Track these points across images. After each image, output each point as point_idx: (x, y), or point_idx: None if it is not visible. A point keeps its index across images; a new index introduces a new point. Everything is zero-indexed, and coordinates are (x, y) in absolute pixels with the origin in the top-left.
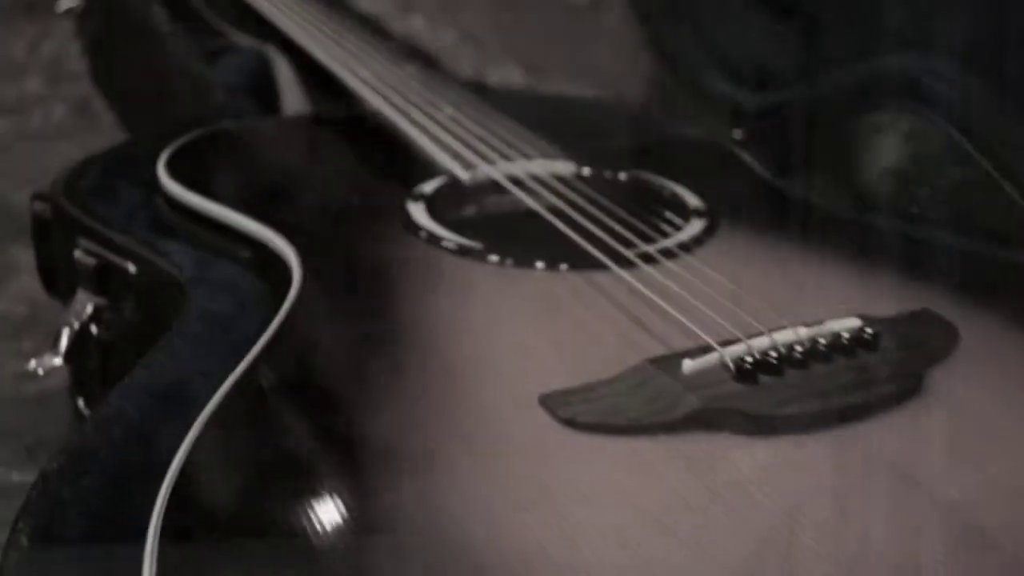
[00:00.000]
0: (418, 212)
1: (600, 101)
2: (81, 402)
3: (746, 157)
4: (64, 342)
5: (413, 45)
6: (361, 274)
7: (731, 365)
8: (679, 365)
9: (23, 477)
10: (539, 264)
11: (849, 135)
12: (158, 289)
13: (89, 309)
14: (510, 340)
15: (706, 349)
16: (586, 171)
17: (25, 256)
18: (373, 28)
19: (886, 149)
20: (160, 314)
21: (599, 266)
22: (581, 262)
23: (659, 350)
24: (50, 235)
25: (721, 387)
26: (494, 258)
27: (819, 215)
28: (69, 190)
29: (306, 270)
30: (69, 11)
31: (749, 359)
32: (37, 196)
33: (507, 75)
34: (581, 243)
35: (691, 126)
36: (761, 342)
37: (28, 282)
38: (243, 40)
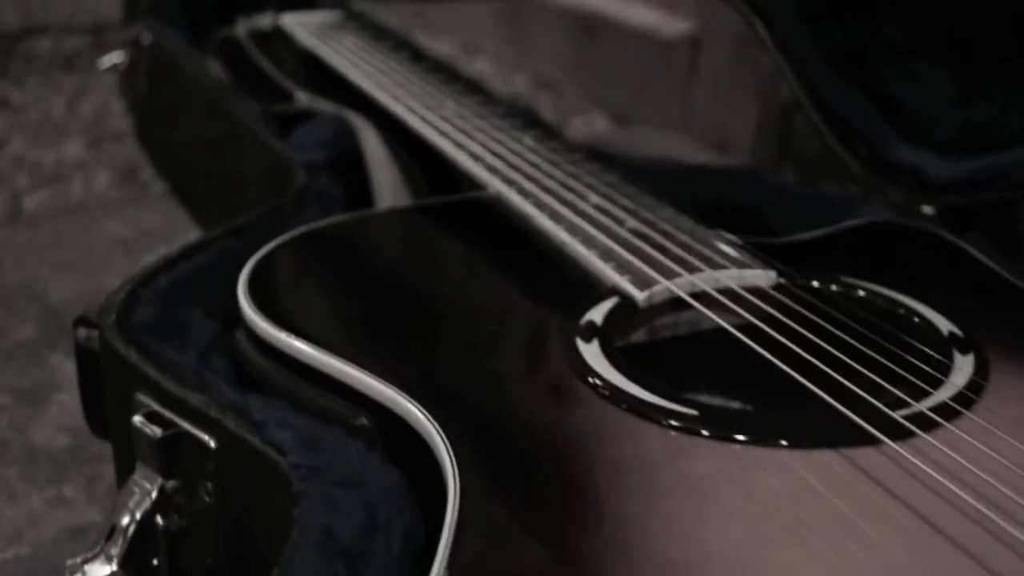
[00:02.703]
0: (594, 356)
1: (756, 172)
2: None
3: (972, 249)
4: (121, 545)
5: (525, 107)
6: (540, 465)
7: None
8: None
9: None
10: (782, 440)
11: None
12: (248, 469)
13: (153, 495)
14: (773, 570)
15: None
16: (795, 284)
17: (68, 367)
18: (469, 85)
19: None
20: (251, 501)
21: (863, 438)
22: (836, 434)
23: None
24: (98, 371)
25: None
26: (724, 434)
27: None
28: (122, 322)
29: (460, 460)
30: (113, 68)
31: None
32: (82, 321)
33: (591, 124)
34: (827, 399)
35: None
36: None
37: (70, 403)
38: (318, 104)
